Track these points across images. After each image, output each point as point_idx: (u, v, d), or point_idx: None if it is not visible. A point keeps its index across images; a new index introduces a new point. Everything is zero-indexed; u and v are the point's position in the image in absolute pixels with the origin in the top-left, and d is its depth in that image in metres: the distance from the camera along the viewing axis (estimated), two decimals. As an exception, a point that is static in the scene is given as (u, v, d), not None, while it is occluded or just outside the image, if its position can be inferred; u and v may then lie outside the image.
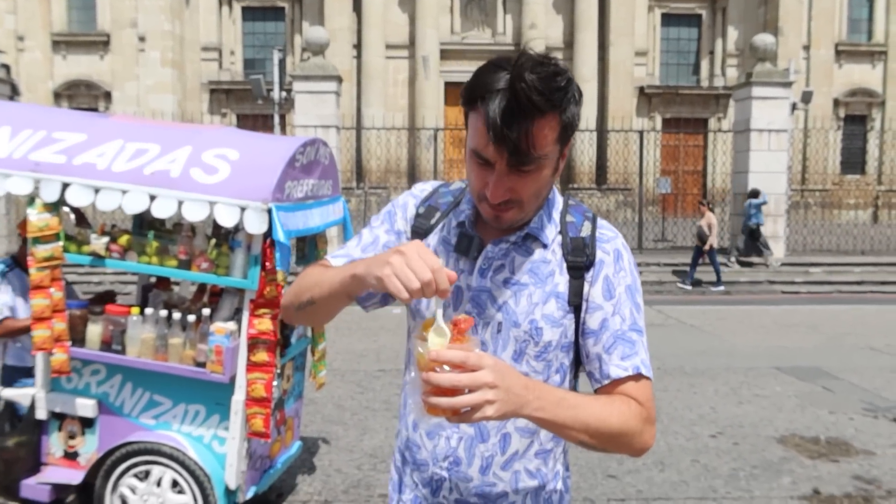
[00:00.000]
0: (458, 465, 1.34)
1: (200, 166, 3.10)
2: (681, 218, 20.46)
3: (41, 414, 3.38)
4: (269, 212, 3.02)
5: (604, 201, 24.20)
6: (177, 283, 4.09)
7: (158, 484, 3.30)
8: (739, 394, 6.35)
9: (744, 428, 5.44)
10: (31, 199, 3.16)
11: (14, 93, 13.91)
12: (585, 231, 1.34)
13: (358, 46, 25.82)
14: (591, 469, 4.55)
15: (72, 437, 3.42)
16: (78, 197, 3.11)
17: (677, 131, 25.69)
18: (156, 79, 24.91)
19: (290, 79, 15.57)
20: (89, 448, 3.40)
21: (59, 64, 25.62)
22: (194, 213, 3.05)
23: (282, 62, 16.76)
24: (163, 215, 3.08)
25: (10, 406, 3.60)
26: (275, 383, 3.21)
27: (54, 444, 3.45)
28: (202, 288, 3.83)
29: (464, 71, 24.69)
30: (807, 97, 17.82)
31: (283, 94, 16.30)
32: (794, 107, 16.37)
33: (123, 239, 3.34)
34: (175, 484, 3.29)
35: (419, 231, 1.40)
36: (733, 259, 14.67)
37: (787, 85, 15.30)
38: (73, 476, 3.38)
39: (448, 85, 25.84)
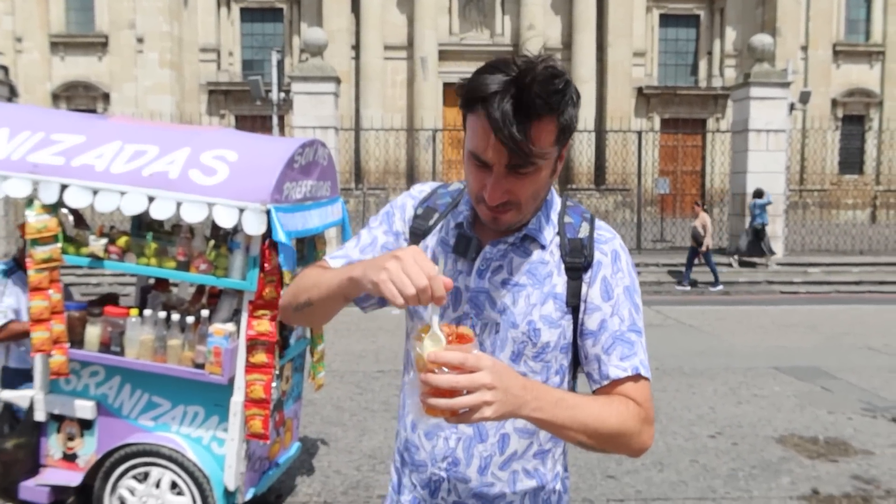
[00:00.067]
0: (456, 465, 1.34)
1: (199, 167, 3.10)
2: (679, 218, 20.47)
3: (40, 416, 3.38)
4: (268, 213, 3.02)
5: (602, 202, 24.21)
6: (175, 285, 4.08)
7: (157, 485, 3.30)
8: (738, 394, 6.35)
9: (743, 428, 5.45)
10: (29, 201, 3.16)
11: (12, 94, 13.90)
12: (583, 232, 1.34)
13: (356, 47, 25.82)
14: (589, 469, 4.55)
15: (71, 438, 3.42)
16: (76, 198, 3.10)
17: (676, 132, 25.70)
18: (154, 80, 24.89)
19: (289, 80, 15.58)
20: (88, 450, 3.40)
21: (58, 65, 25.59)
22: (193, 215, 3.05)
23: (280, 63, 16.79)
24: (161, 217, 3.08)
25: (9, 408, 3.59)
26: (273, 384, 3.21)
27: (53, 445, 3.44)
28: (201, 289, 3.83)
29: (462, 72, 24.67)
30: (805, 97, 17.85)
31: (282, 95, 16.31)
32: (792, 107, 16.38)
33: (122, 240, 3.34)
34: (174, 485, 3.29)
35: (417, 232, 1.40)
36: (735, 259, 14.65)
37: (785, 85, 15.33)
38: (72, 478, 3.37)
39: (447, 86, 25.83)
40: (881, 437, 5.31)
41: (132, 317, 3.29)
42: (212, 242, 3.32)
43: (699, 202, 14.85)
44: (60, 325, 3.20)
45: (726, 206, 17.62)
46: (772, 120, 15.02)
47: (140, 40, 24.73)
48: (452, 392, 1.03)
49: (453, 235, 1.37)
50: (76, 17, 25.70)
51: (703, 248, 13.31)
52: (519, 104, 1.13)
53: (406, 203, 1.45)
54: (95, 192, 3.10)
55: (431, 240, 1.39)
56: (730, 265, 14.48)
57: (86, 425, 3.39)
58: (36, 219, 3.13)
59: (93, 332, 3.34)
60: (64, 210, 3.35)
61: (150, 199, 3.06)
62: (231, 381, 3.20)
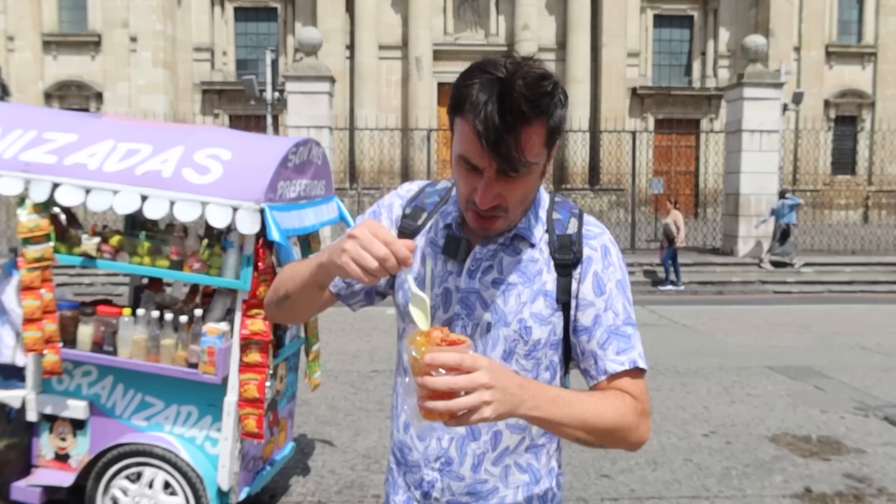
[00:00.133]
0: (449, 465, 1.34)
1: (192, 166, 3.08)
2: (673, 218, 20.51)
3: (32, 416, 3.36)
4: (262, 212, 3.01)
5: (596, 202, 24.25)
6: (169, 284, 4.07)
7: (150, 485, 3.28)
8: (732, 393, 6.38)
9: (736, 427, 5.46)
10: (21, 200, 3.14)
11: (4, 93, 13.84)
12: (572, 228, 1.34)
13: (351, 47, 25.79)
14: (584, 468, 4.55)
15: (63, 438, 3.40)
16: (68, 197, 3.09)
17: (669, 132, 25.77)
18: (147, 79, 24.80)
19: (283, 79, 15.54)
20: (80, 450, 3.38)
21: (50, 64, 25.48)
22: (186, 214, 3.03)
23: (274, 63, 16.73)
24: (155, 216, 3.07)
25: (1, 408, 3.57)
26: (267, 384, 3.20)
27: (45, 446, 3.42)
28: (194, 288, 3.81)
29: (457, 72, 24.40)
30: (798, 98, 17.93)
31: (276, 94, 16.26)
32: (785, 108, 16.46)
33: (115, 239, 3.32)
34: (167, 485, 3.27)
35: (406, 232, 1.39)
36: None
37: (778, 86, 15.40)
38: (65, 478, 3.36)
39: (441, 86, 25.83)
40: (873, 435, 5.33)
41: (125, 316, 3.27)
42: (205, 241, 3.31)
43: (671, 199, 14.96)
44: (53, 324, 3.18)
45: (720, 206, 17.67)
46: (765, 120, 15.08)
47: (133, 39, 24.64)
48: (450, 394, 1.02)
49: (442, 236, 1.36)
50: (69, 15, 25.60)
51: (679, 244, 13.42)
52: (507, 110, 1.11)
53: (394, 202, 1.44)
54: (88, 191, 3.09)
55: (420, 240, 1.38)
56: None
57: (78, 425, 3.38)
58: (27, 218, 3.11)
59: (85, 332, 3.33)
60: (56, 209, 3.34)
61: (144, 198, 3.05)
62: (225, 380, 3.19)
